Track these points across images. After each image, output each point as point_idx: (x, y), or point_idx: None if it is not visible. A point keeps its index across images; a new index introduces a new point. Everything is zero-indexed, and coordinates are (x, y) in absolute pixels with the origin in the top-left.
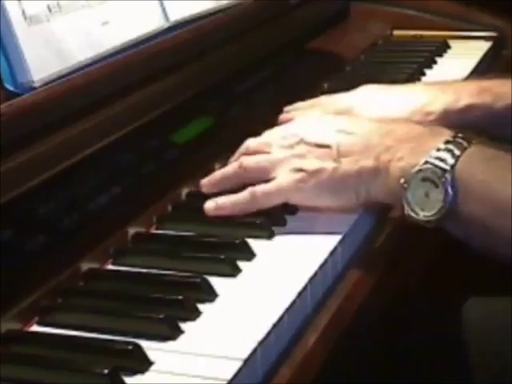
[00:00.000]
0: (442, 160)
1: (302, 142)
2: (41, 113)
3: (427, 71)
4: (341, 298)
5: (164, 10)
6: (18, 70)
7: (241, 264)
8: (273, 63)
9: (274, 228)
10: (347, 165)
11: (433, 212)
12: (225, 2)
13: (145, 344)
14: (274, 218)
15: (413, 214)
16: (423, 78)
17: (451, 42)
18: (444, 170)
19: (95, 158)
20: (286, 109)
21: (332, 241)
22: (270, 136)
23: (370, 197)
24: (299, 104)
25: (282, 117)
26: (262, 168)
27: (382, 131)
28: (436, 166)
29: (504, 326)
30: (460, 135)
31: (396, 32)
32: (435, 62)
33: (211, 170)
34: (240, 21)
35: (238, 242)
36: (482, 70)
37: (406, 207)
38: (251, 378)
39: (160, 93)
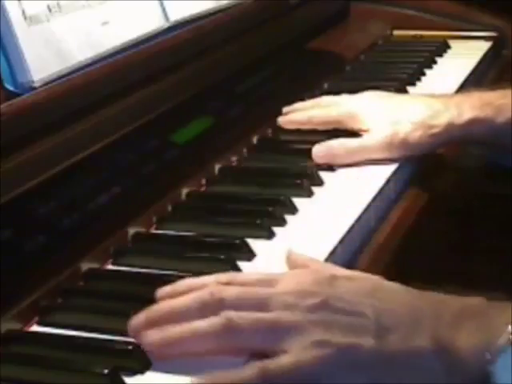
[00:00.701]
0: None
1: (325, 306)
2: (41, 113)
3: (427, 71)
4: None
5: (164, 10)
6: (18, 70)
7: (241, 264)
8: (273, 63)
9: (273, 228)
10: (394, 344)
11: None
12: (225, 2)
13: None
14: (274, 218)
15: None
16: (423, 78)
17: (451, 42)
18: None
19: (95, 158)
20: (285, 110)
21: (332, 241)
22: (258, 281)
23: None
24: (299, 104)
25: (282, 120)
26: (264, 333)
27: (433, 304)
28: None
29: None
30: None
31: (396, 32)
32: (435, 62)
33: (211, 170)
34: (240, 21)
35: (237, 242)
36: (481, 70)
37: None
38: None
39: (160, 93)
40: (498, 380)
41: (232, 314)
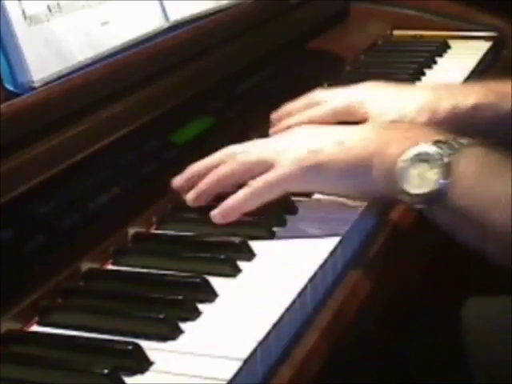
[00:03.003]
0: (440, 148)
1: (297, 133)
2: (41, 113)
3: (427, 71)
4: (341, 298)
5: (164, 9)
6: (18, 70)
7: (241, 264)
8: (273, 63)
9: (274, 228)
10: (351, 144)
11: (424, 191)
12: (225, 2)
13: (145, 344)
14: (274, 218)
15: (404, 192)
16: (423, 78)
17: (451, 42)
18: (441, 155)
19: (95, 158)
20: (275, 116)
21: (332, 241)
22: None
23: (371, 182)
24: (290, 106)
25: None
26: (257, 161)
27: (379, 127)
28: (434, 150)
29: (503, 326)
30: (457, 137)
31: (396, 32)
32: (435, 62)
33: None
34: (240, 21)
35: (237, 242)
36: (482, 70)
37: (398, 185)
38: (251, 378)
39: (160, 93)
40: (403, 180)
41: (239, 156)
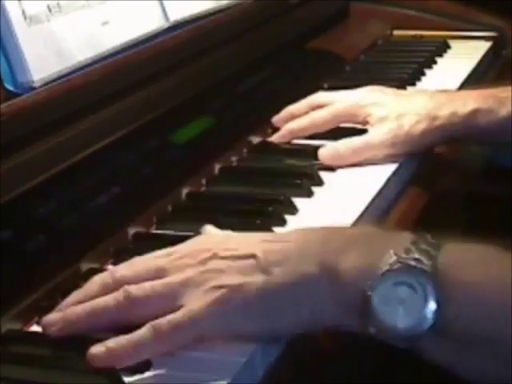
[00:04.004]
0: (416, 260)
1: (215, 256)
2: (41, 113)
3: (427, 71)
4: None
5: (164, 9)
6: (18, 70)
7: None
8: (273, 63)
9: (274, 228)
10: (281, 275)
11: (412, 323)
12: (225, 2)
13: None
14: (274, 218)
15: (382, 330)
16: (423, 78)
17: (451, 42)
18: (423, 271)
19: (95, 158)
20: (277, 119)
21: None
22: (156, 258)
23: (315, 315)
24: (292, 108)
25: (281, 133)
26: (160, 296)
27: (321, 235)
28: (411, 266)
29: None
30: (424, 235)
31: (396, 32)
32: (435, 62)
33: (211, 170)
34: (240, 21)
35: None
36: (482, 70)
37: (371, 321)
38: (251, 377)
39: (160, 93)
40: (375, 307)
41: (131, 287)
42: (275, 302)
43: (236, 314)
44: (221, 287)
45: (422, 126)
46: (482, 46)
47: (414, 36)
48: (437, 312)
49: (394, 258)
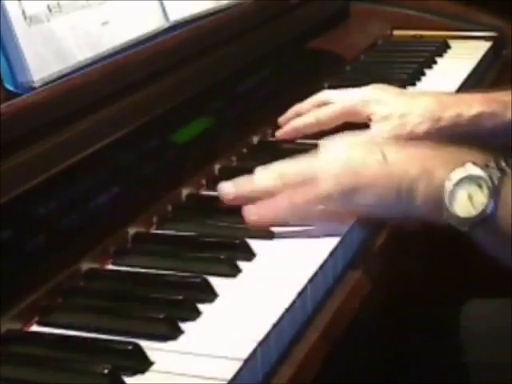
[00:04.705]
0: (488, 170)
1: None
2: (41, 113)
3: (427, 71)
4: (341, 298)
5: (164, 9)
6: (18, 70)
7: (241, 264)
8: (273, 63)
9: (273, 228)
10: (394, 165)
11: (473, 213)
12: (225, 2)
13: (145, 344)
14: None
15: (453, 216)
16: (423, 78)
17: (451, 42)
18: (491, 178)
19: (95, 158)
20: (283, 119)
21: (332, 241)
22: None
23: (412, 204)
24: (297, 107)
25: (284, 130)
26: (303, 175)
27: (423, 147)
28: (484, 172)
29: (503, 327)
30: (497, 157)
31: (396, 32)
32: (435, 62)
33: (211, 170)
34: (240, 21)
35: (237, 242)
36: (481, 70)
37: (445, 208)
38: (251, 378)
39: (160, 93)
40: (448, 205)
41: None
42: (386, 180)
43: (352, 197)
44: (344, 166)
45: (425, 127)
46: (482, 46)
47: (414, 36)
48: (493, 207)
49: (470, 167)
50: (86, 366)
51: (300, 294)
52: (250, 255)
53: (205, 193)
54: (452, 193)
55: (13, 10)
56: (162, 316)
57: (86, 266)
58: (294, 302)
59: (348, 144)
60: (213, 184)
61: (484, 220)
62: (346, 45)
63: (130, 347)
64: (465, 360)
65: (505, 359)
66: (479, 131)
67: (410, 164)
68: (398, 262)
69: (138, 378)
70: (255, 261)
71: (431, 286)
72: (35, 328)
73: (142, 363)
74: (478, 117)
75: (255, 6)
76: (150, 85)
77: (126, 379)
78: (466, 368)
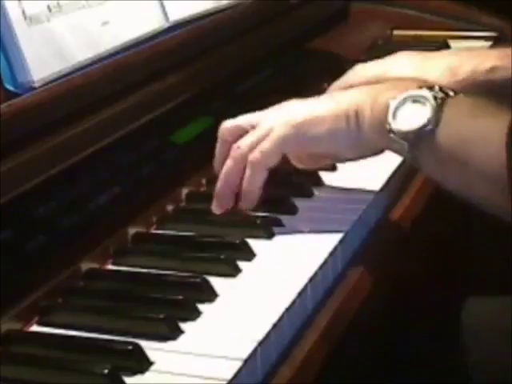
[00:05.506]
0: (433, 91)
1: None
2: (41, 113)
3: None
4: (341, 298)
5: (164, 9)
6: (18, 70)
7: (241, 264)
8: (273, 63)
9: (273, 228)
10: (341, 98)
11: (415, 127)
12: (225, 2)
13: (145, 344)
14: (274, 218)
15: (395, 132)
16: None
17: (451, 42)
18: (435, 97)
19: (95, 158)
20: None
21: (332, 241)
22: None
23: (360, 132)
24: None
25: None
26: (258, 133)
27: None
28: (428, 92)
29: (503, 326)
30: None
31: (396, 32)
32: None
33: (211, 170)
34: (240, 21)
35: (237, 242)
36: None
37: (389, 124)
38: (251, 377)
39: (160, 93)
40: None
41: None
42: (333, 126)
43: (304, 132)
44: (294, 111)
45: (444, 81)
46: (482, 46)
47: (414, 36)
48: (435, 125)
49: (416, 90)
50: (86, 366)
51: (300, 294)
52: (250, 255)
53: (205, 193)
54: (396, 109)
55: (13, 9)
56: (162, 316)
57: (85, 265)
58: (293, 302)
59: (296, 101)
60: (213, 184)
61: (425, 134)
62: (346, 45)
63: (129, 347)
64: (465, 360)
65: (505, 358)
66: (493, 84)
67: (358, 93)
68: (398, 262)
69: (138, 378)
70: (255, 261)
71: (431, 285)
72: (35, 328)
73: (142, 363)
74: (492, 70)
75: (255, 6)
76: (149, 85)
77: (126, 379)
78: (466, 368)
